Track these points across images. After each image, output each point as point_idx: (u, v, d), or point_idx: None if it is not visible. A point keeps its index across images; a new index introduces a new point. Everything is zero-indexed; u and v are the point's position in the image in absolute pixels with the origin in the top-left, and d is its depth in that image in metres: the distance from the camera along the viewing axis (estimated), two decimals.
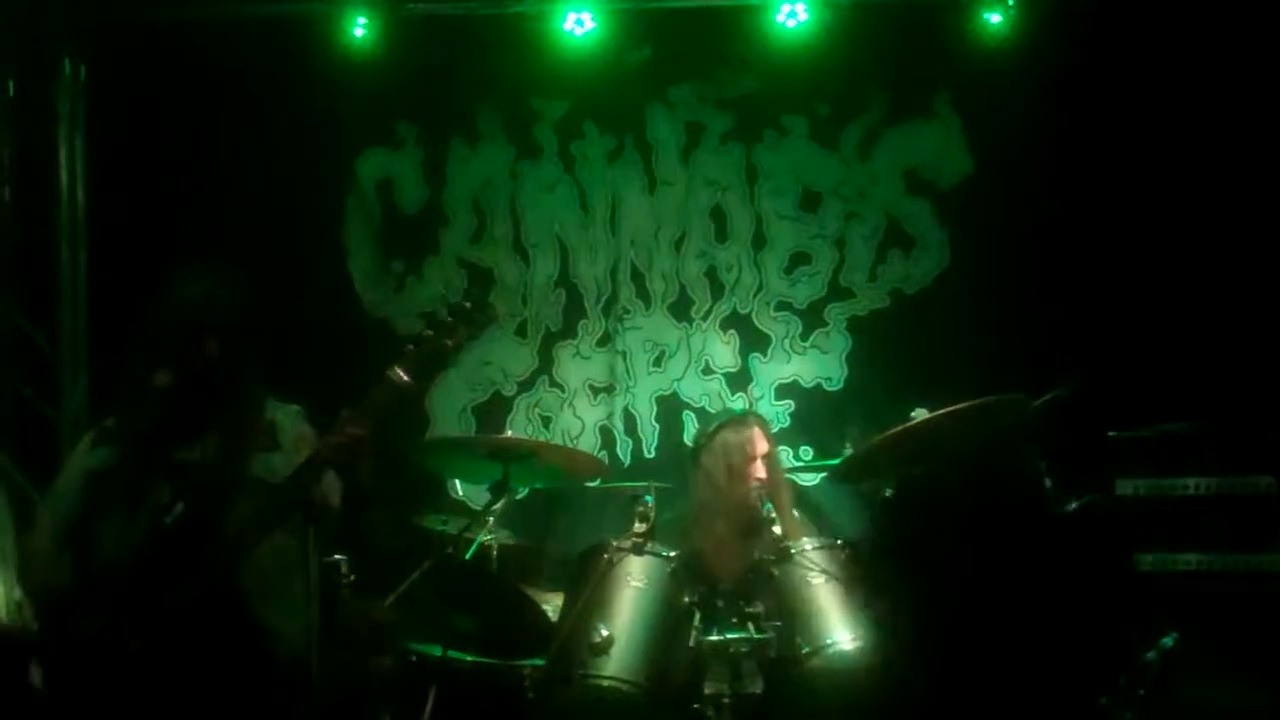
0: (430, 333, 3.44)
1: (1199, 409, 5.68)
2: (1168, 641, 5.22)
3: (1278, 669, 5.03)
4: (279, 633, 3.38)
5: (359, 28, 6.40)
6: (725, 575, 4.54)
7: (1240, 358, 5.97)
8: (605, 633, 4.23)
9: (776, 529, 4.50)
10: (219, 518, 3.29)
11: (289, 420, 3.61)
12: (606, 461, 6.15)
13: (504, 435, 5.90)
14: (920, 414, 4.70)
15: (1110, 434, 5.72)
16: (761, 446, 4.85)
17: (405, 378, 3.37)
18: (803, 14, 6.32)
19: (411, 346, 3.44)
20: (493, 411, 6.58)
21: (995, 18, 6.28)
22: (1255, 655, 5.05)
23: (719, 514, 4.80)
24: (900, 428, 4.69)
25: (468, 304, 3.51)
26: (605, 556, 4.45)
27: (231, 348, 3.48)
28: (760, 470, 4.78)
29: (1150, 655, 5.17)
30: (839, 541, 4.58)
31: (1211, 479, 5.60)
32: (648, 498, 4.72)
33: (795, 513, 4.88)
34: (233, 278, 3.59)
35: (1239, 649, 5.09)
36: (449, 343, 3.42)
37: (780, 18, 6.34)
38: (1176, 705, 5.21)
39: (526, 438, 5.78)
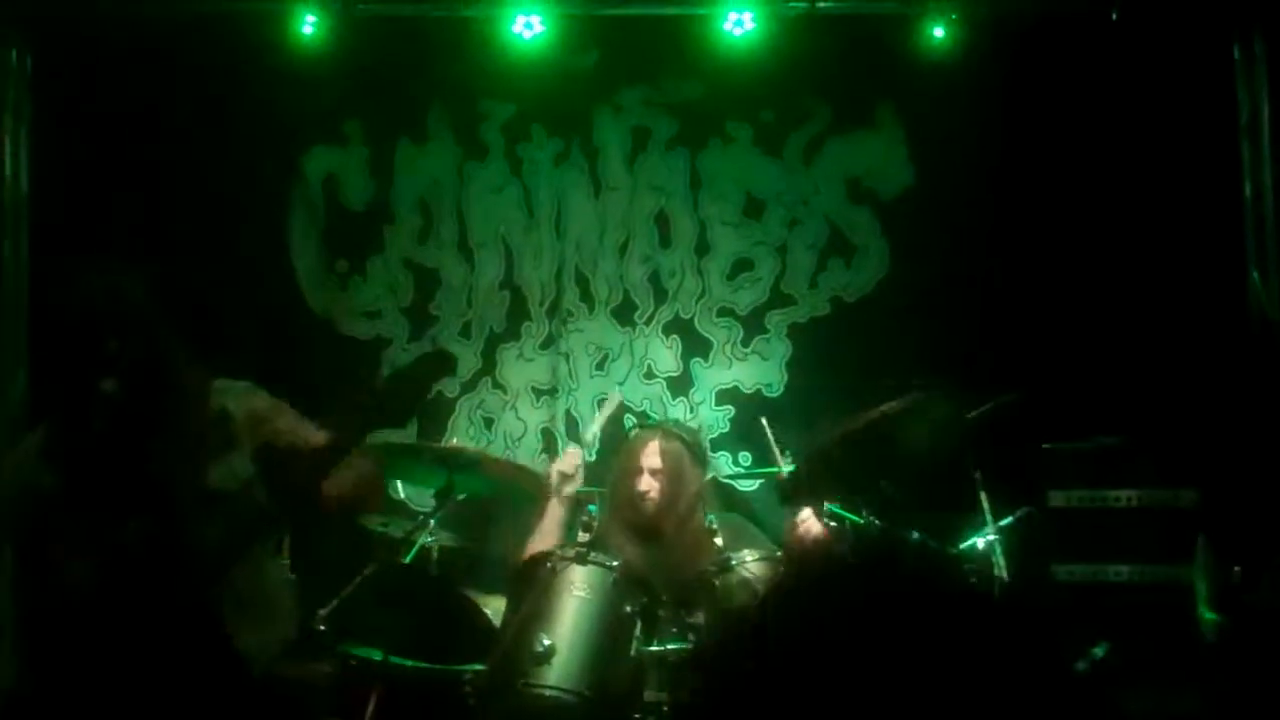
0: (389, 386, 3.35)
1: (1132, 422, 5.83)
2: (1098, 651, 5.34)
3: (1203, 678, 5.14)
4: (252, 650, 3.26)
5: (308, 25, 6.38)
6: (657, 585, 4.60)
7: (1172, 372, 6.09)
8: (547, 642, 4.27)
9: (718, 540, 4.58)
10: (182, 537, 3.20)
11: (238, 403, 3.41)
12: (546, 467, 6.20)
13: (450, 444, 5.90)
14: None
15: (1045, 445, 5.85)
16: (651, 460, 4.92)
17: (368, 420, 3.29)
18: (749, 23, 6.37)
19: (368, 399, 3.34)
20: (435, 412, 6.59)
21: (939, 31, 6.36)
22: (1184, 665, 5.16)
23: (612, 520, 4.91)
24: (830, 436, 4.75)
25: (432, 356, 3.44)
26: (548, 565, 4.50)
27: (151, 341, 3.24)
28: (645, 484, 4.86)
29: (1081, 665, 5.29)
30: (779, 553, 4.66)
31: (1141, 491, 5.75)
32: (591, 507, 4.77)
33: (715, 524, 4.89)
34: (128, 267, 3.33)
35: (1169, 659, 5.21)
36: (411, 398, 3.34)
37: (727, 25, 6.39)
38: (1107, 716, 5.33)
39: (472, 449, 5.77)
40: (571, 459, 5.15)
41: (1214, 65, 6.32)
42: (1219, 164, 6.28)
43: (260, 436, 3.29)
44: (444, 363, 3.42)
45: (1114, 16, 6.26)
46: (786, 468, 5.24)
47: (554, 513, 5.06)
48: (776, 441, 5.37)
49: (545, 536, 4.98)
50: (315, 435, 3.31)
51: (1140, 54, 6.26)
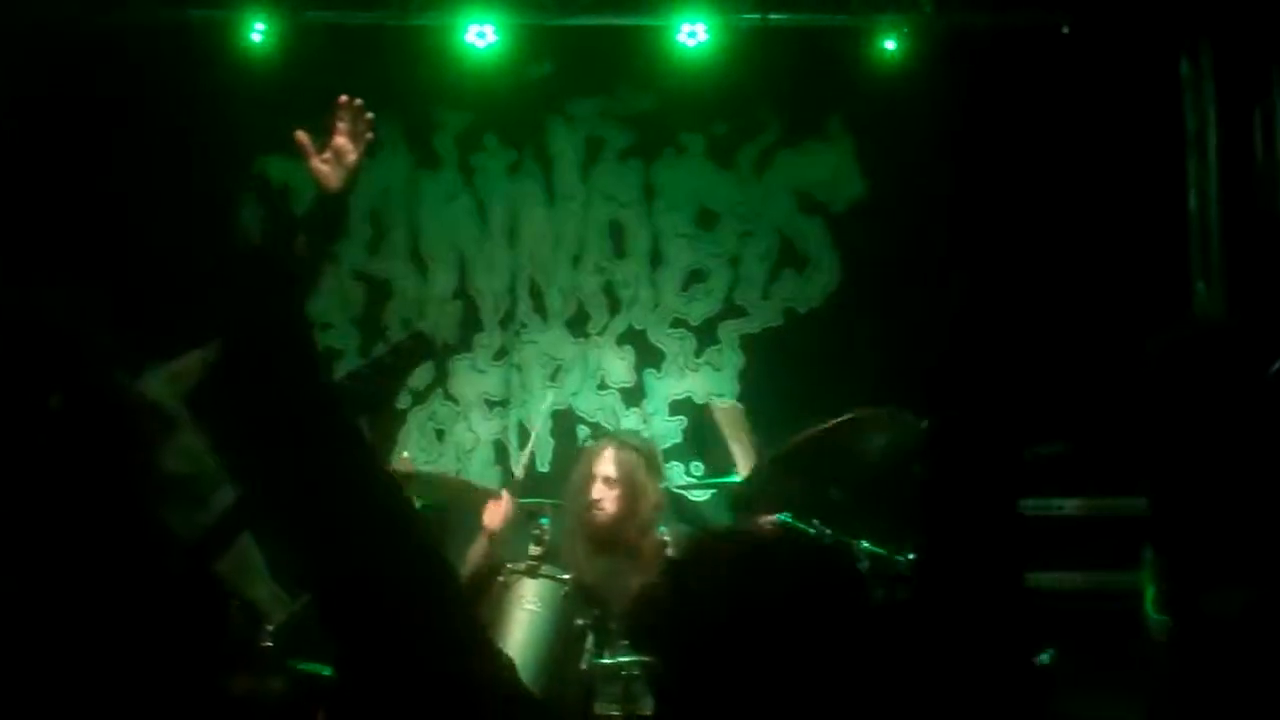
0: (367, 373, 3.36)
1: (1078, 431, 5.88)
2: (1044, 658, 5.39)
3: (1150, 685, 5.19)
4: (264, 601, 3.26)
5: (256, 33, 6.37)
6: (611, 598, 4.60)
7: (1118, 382, 6.15)
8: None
9: (670, 552, 4.59)
10: (155, 530, 3.17)
11: (166, 387, 3.24)
12: (498, 479, 6.22)
13: (403, 461, 5.83)
14: None
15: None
16: (606, 469, 4.92)
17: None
18: (702, 34, 6.41)
19: (347, 383, 3.35)
20: (385, 425, 6.55)
21: (890, 44, 6.42)
22: (1129, 671, 5.20)
23: (567, 532, 4.91)
24: (782, 447, 4.77)
25: (409, 342, 3.45)
26: (500, 579, 4.49)
27: (77, 361, 3.08)
28: (599, 491, 4.87)
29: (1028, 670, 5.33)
30: None
31: (1085, 500, 5.81)
32: (543, 520, 4.76)
33: (667, 537, 4.90)
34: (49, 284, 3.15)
35: (1113, 665, 5.25)
36: (391, 384, 3.35)
37: (680, 37, 6.43)
38: None
39: (427, 471, 5.74)
40: (496, 512, 5.05)
41: (1162, 79, 6.39)
42: (1166, 176, 6.35)
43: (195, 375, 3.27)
44: (421, 346, 3.43)
45: (1065, 30, 6.32)
46: (738, 477, 5.26)
47: (480, 548, 4.99)
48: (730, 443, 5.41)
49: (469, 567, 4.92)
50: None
51: (1090, 68, 6.33)
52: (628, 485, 4.99)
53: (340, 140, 3.23)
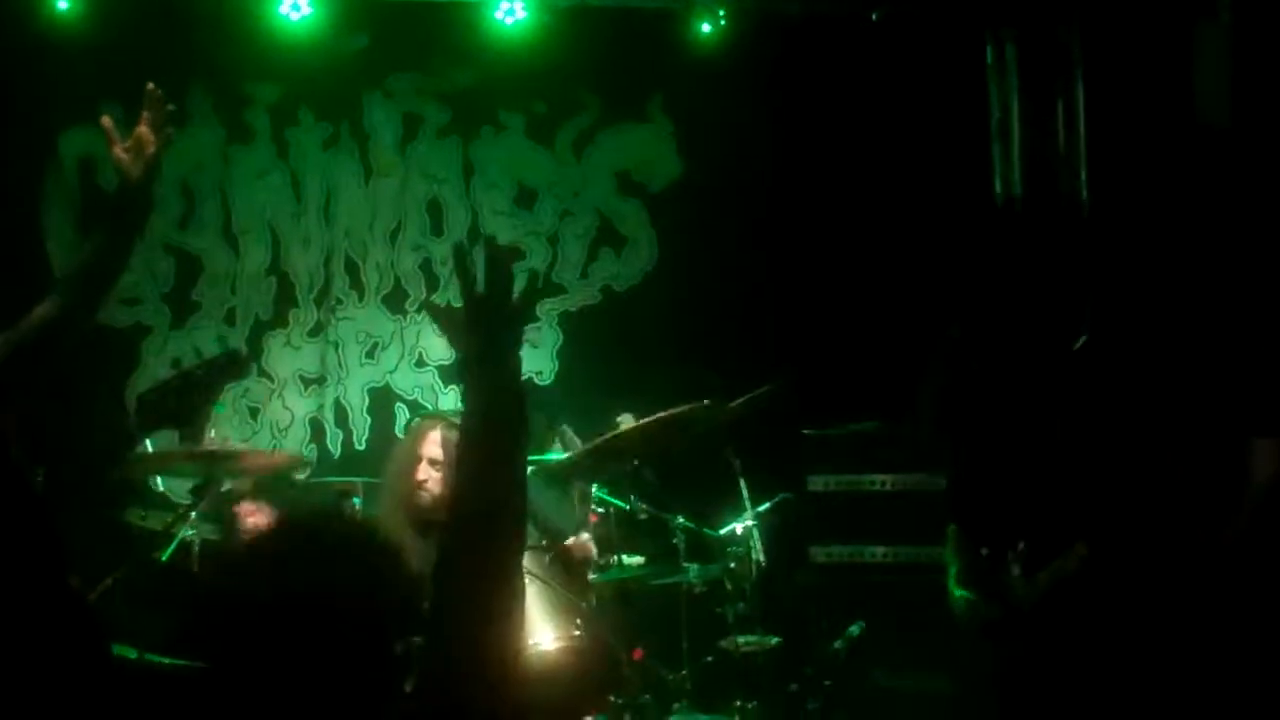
0: (178, 385, 3.29)
1: (888, 409, 6.03)
2: (854, 630, 5.54)
3: (956, 656, 5.35)
4: None
5: (62, 1, 6.16)
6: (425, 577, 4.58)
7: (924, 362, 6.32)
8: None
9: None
10: None
11: None
12: (313, 456, 6.15)
13: (205, 446, 5.68)
14: (626, 419, 4.84)
15: (804, 431, 6.02)
16: (432, 450, 4.90)
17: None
18: (521, 12, 6.39)
19: (155, 397, 3.27)
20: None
21: (706, 27, 6.49)
22: (936, 643, 5.36)
23: (390, 512, 4.86)
24: (604, 438, 4.81)
25: (222, 359, 3.39)
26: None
27: None
28: (424, 473, 4.84)
29: (837, 644, 5.48)
30: (544, 542, 4.69)
31: (897, 475, 5.96)
32: (356, 500, 4.71)
33: None
34: None
35: (921, 637, 5.40)
36: (199, 398, 3.29)
37: (499, 14, 6.39)
38: (862, 692, 5.53)
39: (228, 447, 5.61)
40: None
41: (968, 65, 6.58)
42: (971, 162, 6.55)
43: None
44: (235, 365, 3.38)
45: (874, 17, 6.46)
46: (554, 455, 5.29)
47: None
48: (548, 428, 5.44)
49: None
50: None
51: (899, 54, 6.49)
52: (452, 466, 4.96)
53: (142, 129, 3.17)
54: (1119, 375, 4.23)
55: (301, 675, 2.00)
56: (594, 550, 4.89)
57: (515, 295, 2.28)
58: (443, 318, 2.46)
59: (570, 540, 4.84)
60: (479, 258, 2.29)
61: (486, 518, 2.19)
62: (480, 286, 2.27)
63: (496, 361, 2.26)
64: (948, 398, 4.77)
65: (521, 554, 2.27)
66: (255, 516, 4.78)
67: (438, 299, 6.63)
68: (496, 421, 2.23)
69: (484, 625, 2.15)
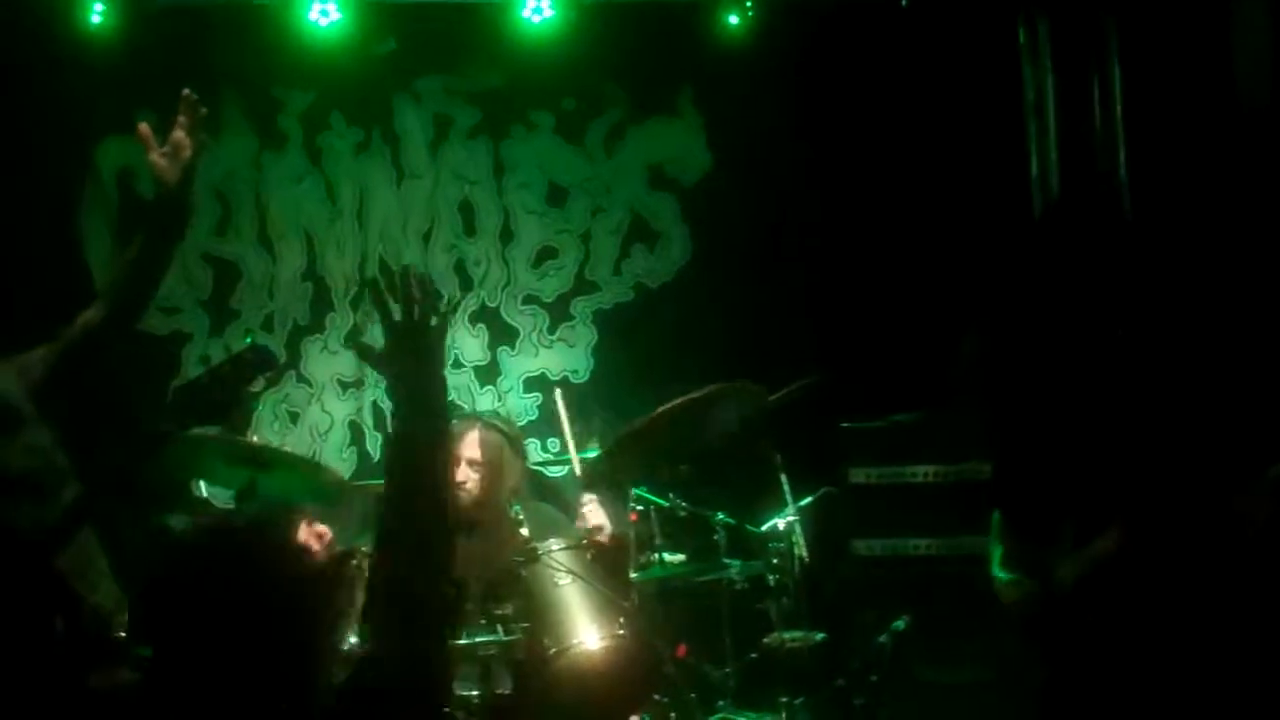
0: (206, 382, 3.32)
1: (928, 400, 5.99)
2: (899, 625, 5.49)
3: (1001, 647, 5.31)
4: (108, 604, 3.25)
5: (96, 14, 6.19)
6: (468, 579, 4.59)
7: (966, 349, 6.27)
8: (354, 639, 4.22)
9: (524, 530, 4.59)
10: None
11: (11, 382, 3.32)
12: (354, 460, 6.18)
13: (253, 440, 5.72)
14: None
15: (844, 424, 5.98)
16: (470, 451, 4.90)
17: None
18: (548, 10, 6.38)
19: (185, 395, 3.30)
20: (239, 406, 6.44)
21: (733, 18, 6.46)
22: (981, 635, 5.32)
23: None
24: (638, 423, 4.80)
25: (248, 353, 3.41)
26: (354, 561, 4.44)
27: None
28: (463, 474, 4.84)
29: (882, 639, 5.44)
30: (584, 541, 4.69)
31: (939, 466, 5.91)
32: None
33: (520, 515, 4.89)
34: None
35: (966, 629, 5.37)
36: (228, 394, 3.31)
37: (525, 13, 6.39)
38: (908, 687, 5.49)
39: (273, 446, 5.63)
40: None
41: (1000, 48, 6.52)
42: (1007, 143, 6.48)
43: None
44: (260, 358, 3.40)
45: (904, 3, 6.42)
46: (591, 452, 5.28)
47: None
48: (577, 422, 5.43)
49: None
50: None
51: (930, 38, 6.43)
52: (491, 467, 4.96)
53: (178, 135, 3.19)
54: (1163, 360, 4.18)
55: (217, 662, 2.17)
56: (630, 537, 4.88)
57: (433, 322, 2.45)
58: (368, 355, 2.59)
59: (604, 536, 4.84)
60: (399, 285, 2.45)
61: (413, 534, 2.40)
62: (398, 316, 2.44)
63: (419, 385, 2.44)
64: (992, 382, 4.74)
65: (448, 568, 2.47)
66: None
67: (471, 301, 6.64)
68: (421, 443, 2.42)
69: (412, 638, 2.31)
